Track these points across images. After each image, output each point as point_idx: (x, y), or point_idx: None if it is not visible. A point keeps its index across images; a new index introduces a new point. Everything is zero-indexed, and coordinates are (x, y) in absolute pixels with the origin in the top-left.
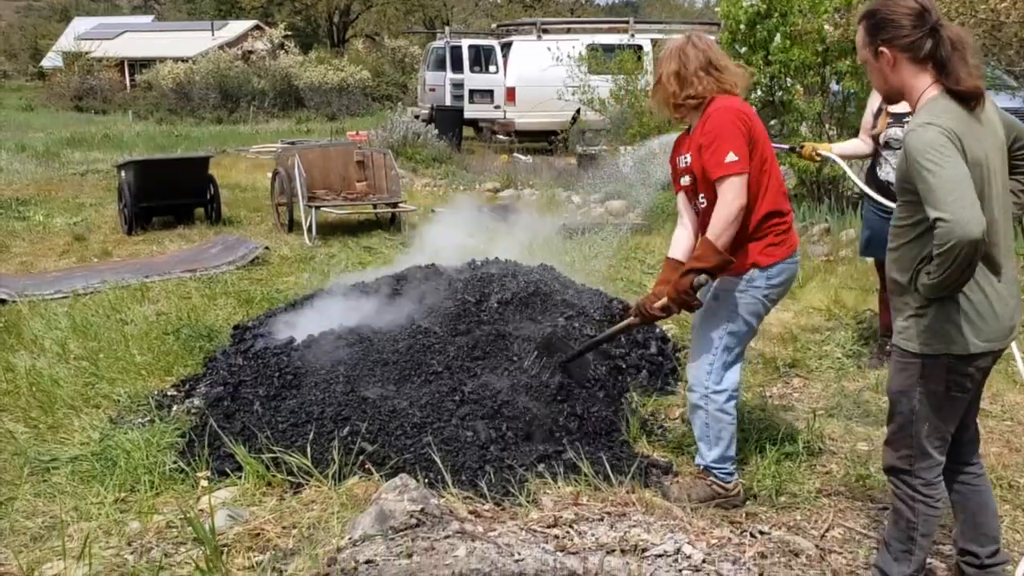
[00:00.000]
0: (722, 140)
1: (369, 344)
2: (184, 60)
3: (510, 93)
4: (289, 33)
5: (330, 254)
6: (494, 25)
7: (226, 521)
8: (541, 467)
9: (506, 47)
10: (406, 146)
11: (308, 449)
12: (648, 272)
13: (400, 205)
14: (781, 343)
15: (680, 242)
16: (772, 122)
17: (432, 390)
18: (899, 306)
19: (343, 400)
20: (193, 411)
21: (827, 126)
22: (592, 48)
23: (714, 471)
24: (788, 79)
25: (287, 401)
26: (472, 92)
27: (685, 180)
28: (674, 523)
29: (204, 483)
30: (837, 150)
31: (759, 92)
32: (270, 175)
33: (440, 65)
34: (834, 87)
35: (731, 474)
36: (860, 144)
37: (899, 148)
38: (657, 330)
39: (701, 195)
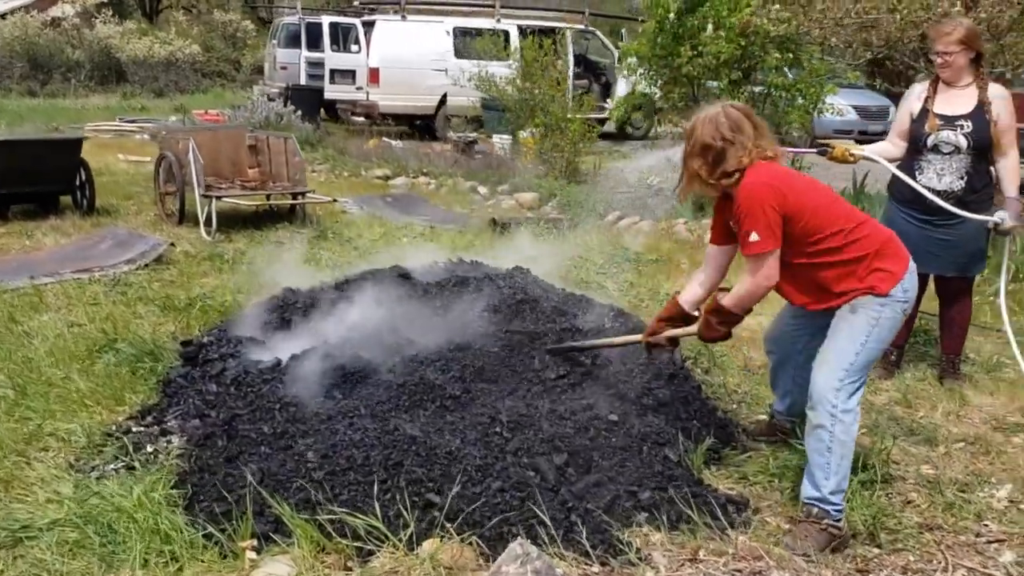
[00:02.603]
0: (748, 218)
1: (367, 364)
2: None
3: (373, 74)
4: (103, 1)
5: (240, 251)
6: (356, 2)
7: None
8: (642, 516)
9: (368, 26)
10: (270, 128)
11: (376, 506)
12: (601, 272)
13: (309, 195)
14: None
15: (692, 294)
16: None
17: (470, 420)
18: None
19: (386, 440)
20: (178, 453)
21: None
22: (492, 32)
23: (828, 506)
24: (716, 73)
25: (302, 440)
26: (333, 72)
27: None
28: None
29: (251, 554)
30: (868, 151)
31: (682, 88)
32: (154, 160)
33: (293, 42)
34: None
35: (841, 510)
36: (889, 147)
37: (949, 152)
38: None
39: None
